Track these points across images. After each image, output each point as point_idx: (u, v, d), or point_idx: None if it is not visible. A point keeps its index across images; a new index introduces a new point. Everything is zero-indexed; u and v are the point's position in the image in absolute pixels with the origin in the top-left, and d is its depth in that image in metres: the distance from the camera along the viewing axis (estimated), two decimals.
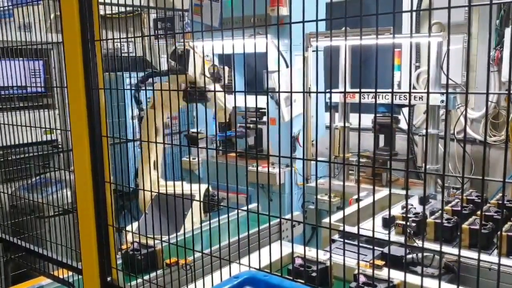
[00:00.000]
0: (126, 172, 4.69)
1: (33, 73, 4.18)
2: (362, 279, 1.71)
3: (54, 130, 4.24)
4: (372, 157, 4.02)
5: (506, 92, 0.89)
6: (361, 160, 4.04)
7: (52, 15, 4.27)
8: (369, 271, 1.75)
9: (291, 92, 1.30)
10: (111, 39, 1.86)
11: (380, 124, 3.82)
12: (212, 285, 1.44)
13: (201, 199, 2.87)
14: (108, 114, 1.83)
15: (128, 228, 2.78)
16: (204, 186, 3.04)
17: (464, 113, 3.90)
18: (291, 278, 1.38)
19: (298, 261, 1.82)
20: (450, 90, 4.11)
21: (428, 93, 1.08)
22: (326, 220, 2.69)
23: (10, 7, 3.56)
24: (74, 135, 1.87)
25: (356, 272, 1.75)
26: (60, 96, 4.62)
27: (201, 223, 2.21)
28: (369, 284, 1.64)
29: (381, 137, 4.14)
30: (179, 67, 2.58)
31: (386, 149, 4.01)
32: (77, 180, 1.90)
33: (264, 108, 4.17)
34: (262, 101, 3.83)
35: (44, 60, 4.48)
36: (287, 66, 3.82)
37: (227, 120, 3.09)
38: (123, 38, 1.78)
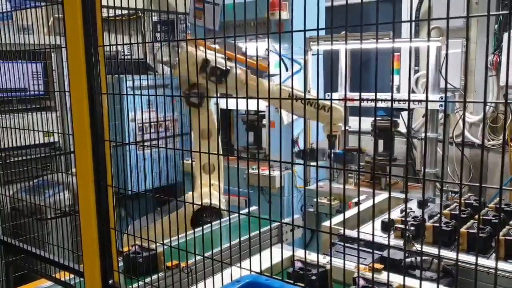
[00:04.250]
0: (125, 174, 4.68)
1: (33, 76, 4.19)
2: (361, 282, 1.72)
3: (54, 132, 4.25)
4: (371, 161, 4.05)
5: (503, 101, 0.91)
6: (360, 163, 4.07)
7: (52, 18, 4.29)
8: (368, 275, 1.77)
9: (291, 98, 1.32)
10: (114, 44, 1.88)
11: (379, 129, 3.84)
12: None
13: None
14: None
15: (129, 229, 2.79)
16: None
17: (462, 117, 3.93)
18: (292, 282, 1.39)
19: (298, 265, 1.83)
20: (449, 93, 4.14)
21: (427, 101, 1.10)
22: (326, 223, 2.71)
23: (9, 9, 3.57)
24: (77, 139, 1.89)
25: (355, 275, 1.77)
26: (59, 98, 4.64)
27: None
28: (369, 287, 1.65)
29: (380, 142, 4.17)
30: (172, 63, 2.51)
31: (385, 154, 4.02)
32: (79, 184, 1.92)
33: (264, 111, 4.19)
34: (262, 103, 3.85)
35: (44, 63, 4.50)
36: (286, 70, 3.85)
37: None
38: (126, 44, 1.80)
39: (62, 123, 4.36)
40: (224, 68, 2.56)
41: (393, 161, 4.05)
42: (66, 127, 4.35)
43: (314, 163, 1.53)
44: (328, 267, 1.82)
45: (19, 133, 2.74)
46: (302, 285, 1.41)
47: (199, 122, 2.73)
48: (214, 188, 2.83)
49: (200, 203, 2.63)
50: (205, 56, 2.47)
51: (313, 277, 1.77)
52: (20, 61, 2.84)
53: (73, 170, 2.13)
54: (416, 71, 4.54)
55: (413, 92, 4.42)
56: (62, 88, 4.41)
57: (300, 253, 1.96)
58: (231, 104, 3.84)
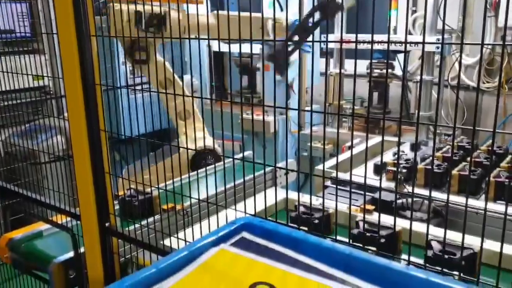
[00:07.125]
0: (117, 119, 4.65)
1: (18, 17, 4.05)
2: (361, 225, 1.75)
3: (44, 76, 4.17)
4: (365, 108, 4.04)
5: (501, 43, 0.88)
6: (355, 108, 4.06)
7: None
8: (369, 217, 1.80)
9: (286, 40, 1.28)
10: None
11: (374, 82, 3.80)
12: (209, 230, 1.48)
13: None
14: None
15: (124, 172, 2.80)
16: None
17: (458, 59, 3.88)
18: (285, 223, 1.42)
19: (302, 209, 1.87)
20: (446, 35, 4.06)
21: (423, 43, 1.07)
22: (319, 167, 2.73)
23: None
24: (67, 83, 1.85)
25: (357, 219, 1.80)
26: (47, 41, 4.51)
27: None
28: (371, 230, 1.68)
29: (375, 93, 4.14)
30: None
31: (379, 107, 4.00)
32: (72, 129, 1.90)
33: (258, 54, 4.11)
34: (256, 46, 3.77)
35: (29, 3, 4.34)
36: (281, 10, 3.74)
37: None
38: None
39: (52, 66, 4.26)
40: (160, 15, 2.53)
41: (387, 114, 4.05)
42: (56, 71, 4.25)
43: (309, 108, 1.52)
44: (330, 211, 1.85)
45: (8, 76, 2.68)
46: (295, 225, 1.44)
47: (157, 75, 2.77)
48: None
49: (194, 147, 2.66)
50: (136, 8, 2.42)
51: (316, 221, 1.81)
52: (4, 0, 2.73)
53: (65, 114, 2.10)
54: (414, 12, 4.43)
55: (410, 33, 4.33)
56: (50, 30, 4.27)
57: (293, 195, 1.99)
58: (223, 46, 3.76)
